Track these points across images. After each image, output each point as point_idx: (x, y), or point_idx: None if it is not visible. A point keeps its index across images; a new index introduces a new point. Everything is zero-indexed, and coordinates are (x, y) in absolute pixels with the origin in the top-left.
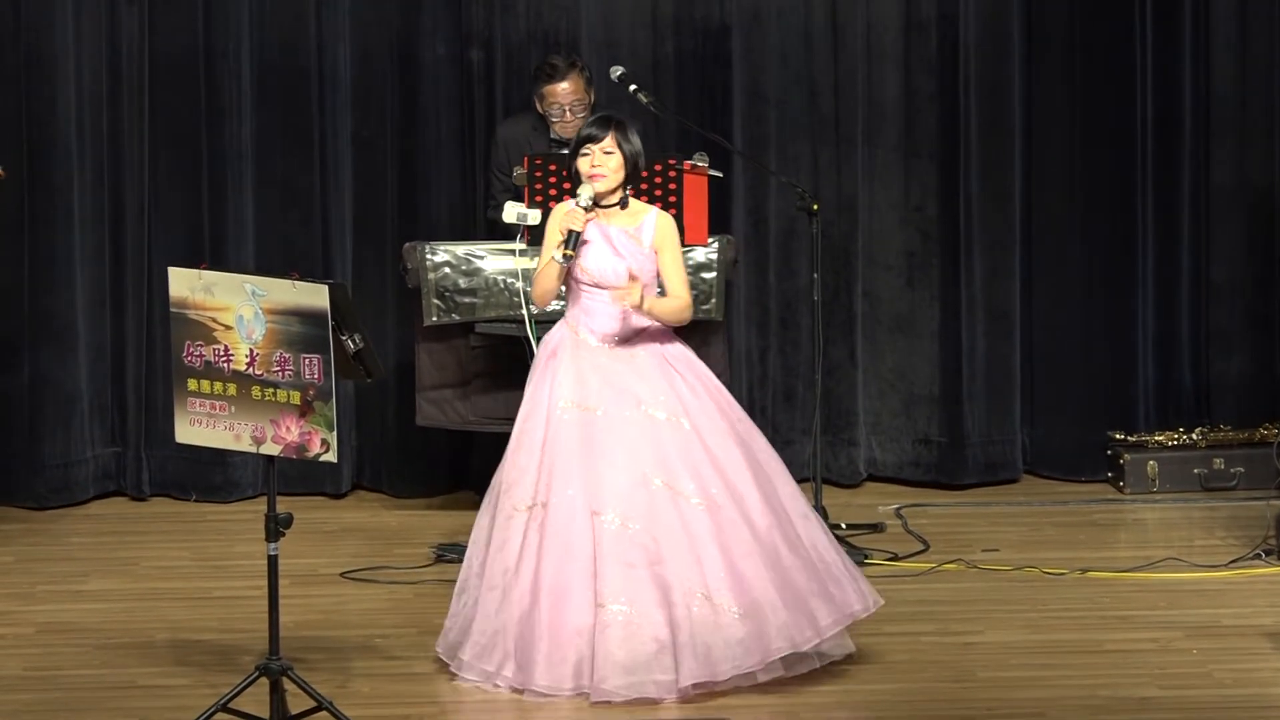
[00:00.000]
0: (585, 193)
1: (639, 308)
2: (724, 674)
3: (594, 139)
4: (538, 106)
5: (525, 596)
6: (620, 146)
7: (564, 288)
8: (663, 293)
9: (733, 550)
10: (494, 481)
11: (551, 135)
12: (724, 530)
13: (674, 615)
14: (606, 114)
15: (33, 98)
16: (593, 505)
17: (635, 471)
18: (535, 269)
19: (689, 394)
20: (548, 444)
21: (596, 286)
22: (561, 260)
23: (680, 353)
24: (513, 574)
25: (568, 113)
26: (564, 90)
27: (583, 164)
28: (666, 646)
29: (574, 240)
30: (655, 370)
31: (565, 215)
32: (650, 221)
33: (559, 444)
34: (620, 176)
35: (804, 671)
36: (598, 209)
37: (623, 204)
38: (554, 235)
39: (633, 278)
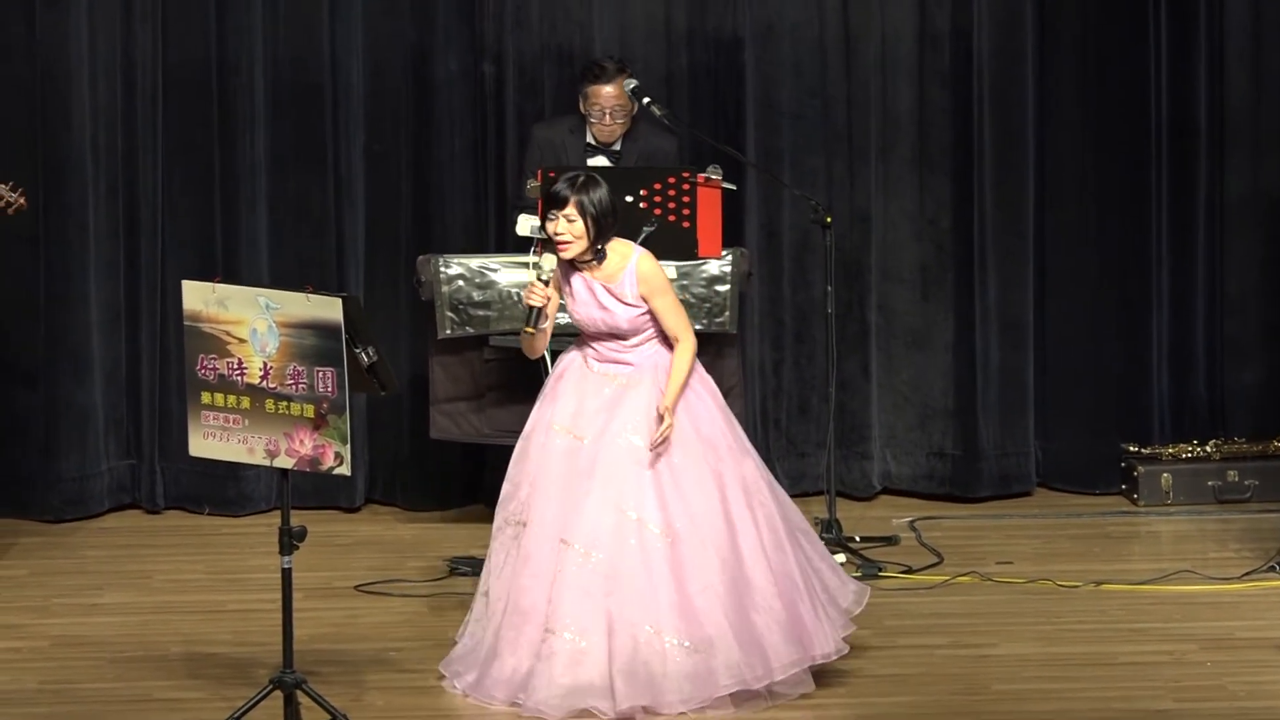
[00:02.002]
0: (547, 264)
1: (670, 412)
2: (668, 705)
3: (557, 203)
4: (581, 106)
5: (497, 611)
6: (583, 211)
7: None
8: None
9: (688, 584)
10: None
11: (588, 139)
12: (682, 563)
13: (617, 644)
14: (572, 174)
15: (47, 113)
16: (562, 533)
17: (609, 501)
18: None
19: (678, 423)
20: (539, 465)
21: (587, 335)
22: (524, 335)
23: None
24: (492, 585)
25: (607, 116)
26: (607, 94)
27: (550, 228)
28: (607, 675)
29: (534, 316)
30: (652, 403)
31: (526, 290)
32: (630, 273)
33: (546, 467)
34: (585, 242)
35: (761, 708)
36: (580, 266)
37: (600, 258)
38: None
39: (660, 417)
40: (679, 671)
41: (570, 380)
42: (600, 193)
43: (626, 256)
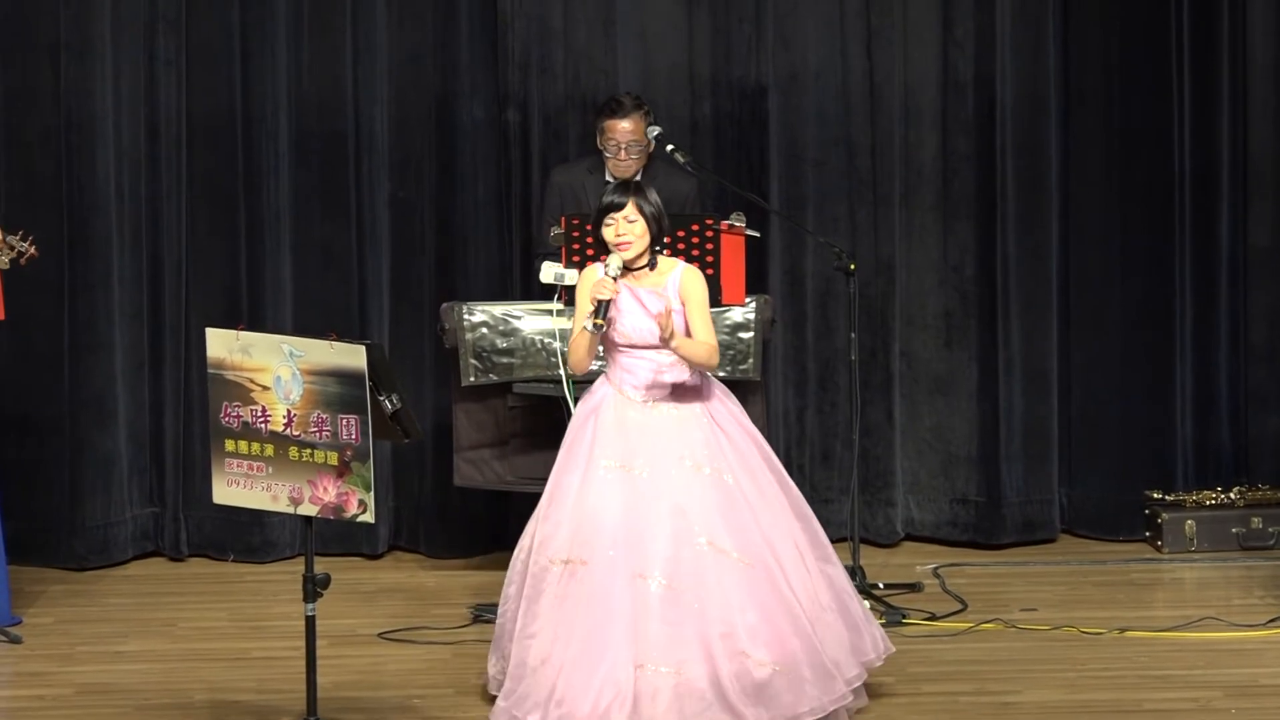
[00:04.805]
0: (614, 262)
1: (669, 341)
2: None
3: (615, 207)
4: (598, 141)
5: (555, 647)
6: (642, 211)
7: (602, 347)
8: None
9: (769, 606)
10: (526, 533)
11: (606, 178)
12: (760, 587)
13: (716, 670)
14: (625, 180)
15: (72, 160)
16: (636, 568)
17: (679, 531)
18: (570, 335)
19: (730, 448)
20: (586, 500)
21: (632, 347)
22: (592, 330)
23: (722, 406)
24: (546, 625)
25: (623, 151)
26: (624, 129)
27: (607, 233)
28: (713, 703)
29: (603, 310)
30: (698, 425)
31: (595, 285)
32: (675, 277)
33: (600, 503)
34: (646, 241)
35: None
36: (629, 273)
37: (651, 265)
38: (585, 303)
39: (668, 310)
40: (765, 693)
41: (607, 414)
42: (655, 196)
43: (673, 266)
